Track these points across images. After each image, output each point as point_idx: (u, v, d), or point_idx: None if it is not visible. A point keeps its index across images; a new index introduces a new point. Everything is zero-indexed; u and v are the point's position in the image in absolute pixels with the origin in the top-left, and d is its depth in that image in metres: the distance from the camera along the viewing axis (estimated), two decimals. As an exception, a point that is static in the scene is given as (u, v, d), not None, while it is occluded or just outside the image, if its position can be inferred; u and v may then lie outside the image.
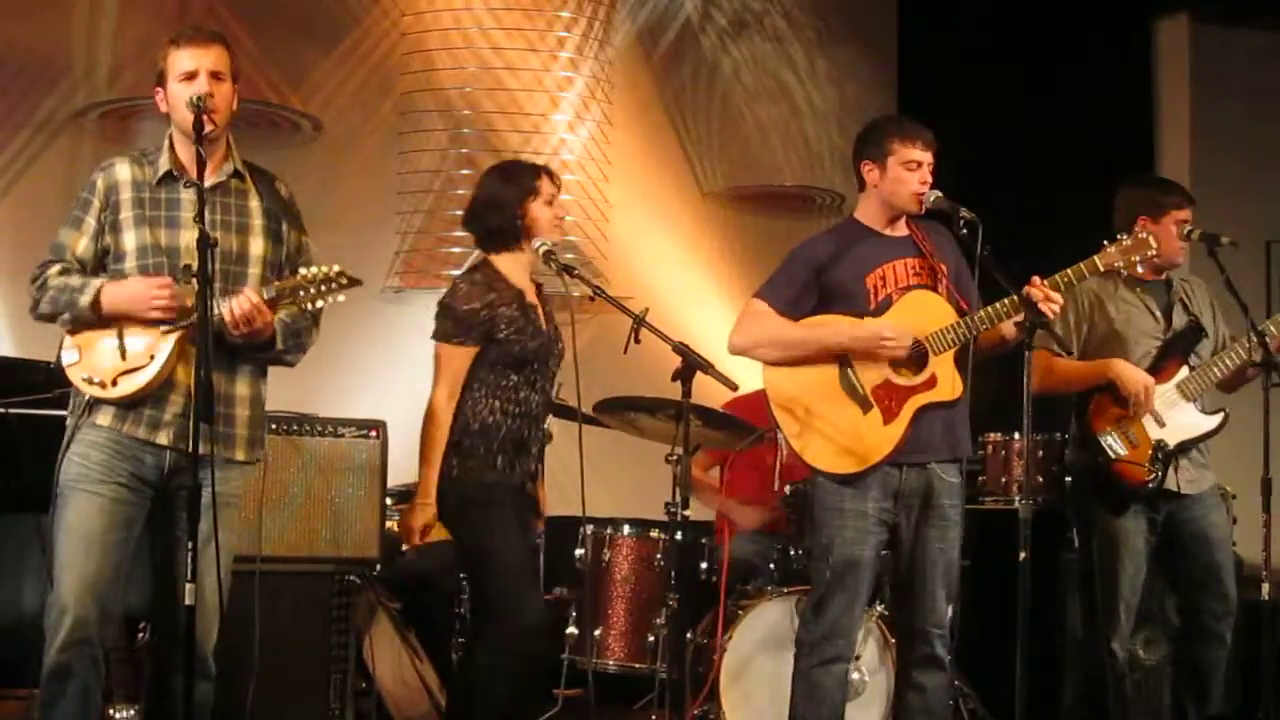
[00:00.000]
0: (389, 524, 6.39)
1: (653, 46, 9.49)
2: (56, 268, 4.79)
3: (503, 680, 5.54)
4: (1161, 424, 5.97)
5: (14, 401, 6.26)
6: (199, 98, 4.63)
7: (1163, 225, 6.05)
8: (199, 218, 4.53)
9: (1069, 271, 5.35)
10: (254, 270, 4.85)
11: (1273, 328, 5.99)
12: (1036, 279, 5.26)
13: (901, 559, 5.48)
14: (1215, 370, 6.06)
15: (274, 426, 6.06)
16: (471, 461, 5.60)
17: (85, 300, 4.70)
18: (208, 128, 4.65)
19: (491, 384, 5.63)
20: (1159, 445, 5.95)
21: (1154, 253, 5.47)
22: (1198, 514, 6.06)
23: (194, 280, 4.54)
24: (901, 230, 5.54)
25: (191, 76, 4.73)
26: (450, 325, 5.63)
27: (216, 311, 4.63)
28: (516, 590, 5.53)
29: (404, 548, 6.75)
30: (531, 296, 5.75)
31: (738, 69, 9.65)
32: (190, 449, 4.59)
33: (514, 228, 5.70)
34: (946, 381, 5.37)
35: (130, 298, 4.70)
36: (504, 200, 5.72)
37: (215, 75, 4.75)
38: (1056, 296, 5.26)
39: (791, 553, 6.70)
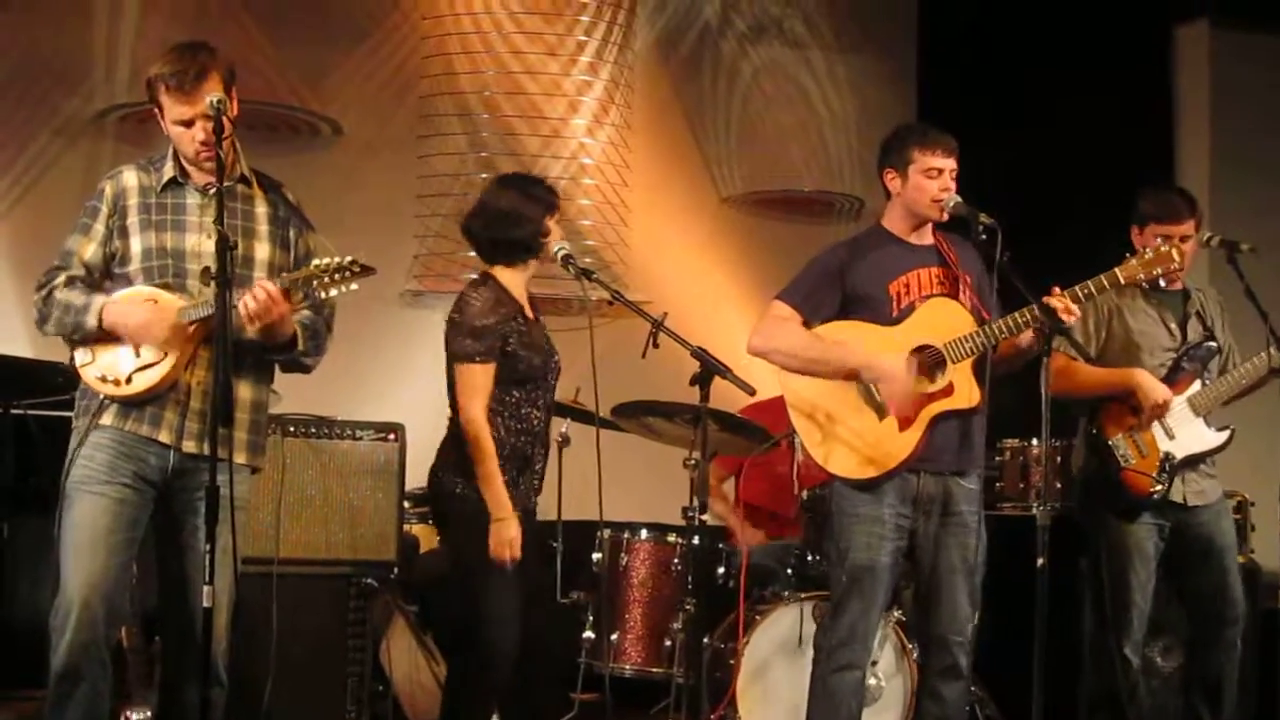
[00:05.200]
0: (406, 527, 6.40)
1: (672, 51, 9.50)
2: (62, 278, 4.83)
3: (480, 706, 5.57)
4: (1171, 436, 5.98)
5: (32, 403, 6.28)
6: (218, 101, 4.65)
7: (1145, 236, 6.06)
8: (218, 221, 4.55)
9: (1090, 283, 5.32)
10: (259, 275, 4.85)
11: None
12: (1056, 289, 5.25)
13: (922, 567, 5.48)
14: (1226, 387, 6.06)
15: (291, 429, 6.07)
16: (475, 481, 5.50)
17: (90, 322, 4.75)
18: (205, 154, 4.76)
19: (496, 399, 5.53)
20: (1167, 457, 5.96)
21: (1176, 266, 5.44)
22: (1205, 520, 6.08)
23: (213, 283, 4.56)
24: (927, 239, 5.55)
25: (189, 124, 4.75)
26: (470, 344, 5.51)
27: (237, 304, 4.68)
28: (499, 620, 5.46)
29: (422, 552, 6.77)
30: (529, 311, 5.69)
31: (757, 74, 9.65)
32: (197, 449, 4.70)
33: (536, 243, 5.63)
34: (963, 389, 5.37)
35: (135, 327, 4.73)
36: (529, 215, 5.62)
37: (209, 117, 4.73)
38: (1075, 308, 5.25)
39: (808, 558, 6.70)
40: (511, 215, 5.64)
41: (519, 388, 5.57)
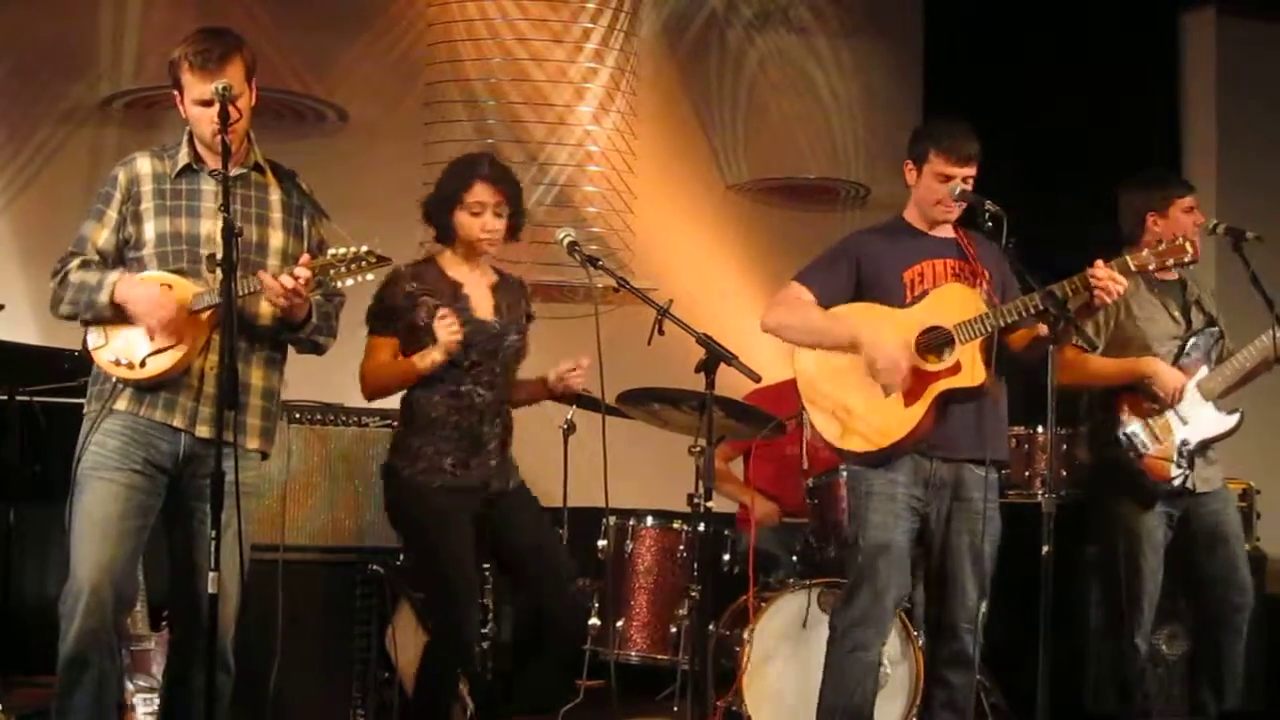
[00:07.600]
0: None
1: (678, 38, 9.48)
2: (76, 261, 4.82)
3: (446, 685, 5.60)
4: (1185, 422, 5.99)
5: (39, 390, 6.29)
6: (224, 88, 4.65)
7: (1171, 216, 6.09)
8: (224, 207, 4.55)
9: (1128, 260, 5.29)
10: (273, 262, 4.88)
11: None
12: (1100, 262, 5.21)
13: (932, 552, 5.51)
14: (1232, 370, 6.07)
15: (298, 416, 6.08)
16: (421, 464, 5.52)
17: (103, 298, 4.74)
18: (229, 138, 4.68)
19: (435, 375, 5.54)
20: (1183, 443, 5.97)
21: (1190, 258, 5.40)
22: (1213, 509, 6.10)
23: (218, 269, 4.56)
24: (946, 232, 5.59)
25: (208, 104, 4.73)
26: (372, 317, 5.62)
27: (254, 289, 4.69)
28: (449, 598, 5.49)
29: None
30: (472, 288, 5.68)
31: (762, 61, 9.63)
32: (210, 434, 4.69)
33: (445, 228, 5.71)
34: (969, 368, 5.39)
35: (146, 309, 4.72)
36: (441, 196, 5.72)
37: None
38: (1123, 279, 5.21)
39: (813, 544, 6.70)
40: (434, 194, 5.77)
41: (452, 365, 5.54)
